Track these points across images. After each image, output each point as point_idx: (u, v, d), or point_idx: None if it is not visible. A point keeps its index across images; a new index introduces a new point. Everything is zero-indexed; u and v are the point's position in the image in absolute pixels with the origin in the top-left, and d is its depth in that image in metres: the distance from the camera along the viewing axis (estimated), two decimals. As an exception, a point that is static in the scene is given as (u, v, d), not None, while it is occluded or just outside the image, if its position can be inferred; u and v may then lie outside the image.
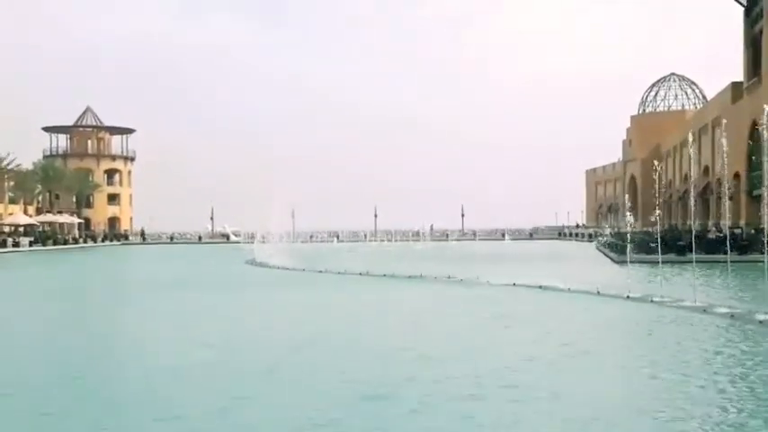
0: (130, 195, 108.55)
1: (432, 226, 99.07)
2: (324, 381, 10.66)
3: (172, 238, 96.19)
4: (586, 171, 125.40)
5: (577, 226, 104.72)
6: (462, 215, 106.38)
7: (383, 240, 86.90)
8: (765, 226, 35.22)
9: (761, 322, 15.02)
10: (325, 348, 13.56)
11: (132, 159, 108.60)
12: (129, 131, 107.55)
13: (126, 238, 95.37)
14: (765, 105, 21.35)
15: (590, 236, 77.35)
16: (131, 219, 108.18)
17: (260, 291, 26.31)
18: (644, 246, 37.98)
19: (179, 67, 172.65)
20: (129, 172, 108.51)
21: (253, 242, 60.46)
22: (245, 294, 25.01)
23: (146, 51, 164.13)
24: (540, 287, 23.61)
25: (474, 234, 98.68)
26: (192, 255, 58.70)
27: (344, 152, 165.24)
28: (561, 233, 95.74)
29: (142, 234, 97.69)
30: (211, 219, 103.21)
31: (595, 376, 10.97)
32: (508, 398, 9.35)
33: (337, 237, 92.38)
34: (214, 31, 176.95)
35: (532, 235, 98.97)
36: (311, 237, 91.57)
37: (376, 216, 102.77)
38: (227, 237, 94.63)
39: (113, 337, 16.14)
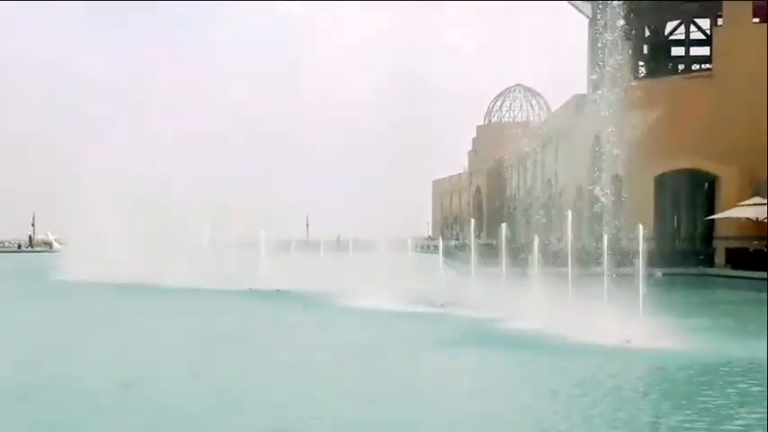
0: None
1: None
2: None
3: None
4: (433, 181, 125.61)
5: (429, 238, 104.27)
6: (307, 225, 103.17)
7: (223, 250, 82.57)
8: (605, 239, 35.22)
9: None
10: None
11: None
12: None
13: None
14: (604, 119, 20.11)
15: (436, 247, 76.39)
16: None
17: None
18: (489, 258, 37.36)
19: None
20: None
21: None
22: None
23: None
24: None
25: (319, 245, 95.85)
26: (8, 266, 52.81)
27: (183, 156, 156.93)
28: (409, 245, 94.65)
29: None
30: (33, 225, 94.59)
31: None
32: None
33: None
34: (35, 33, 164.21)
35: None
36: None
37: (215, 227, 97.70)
38: (50, 245, 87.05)
39: None
